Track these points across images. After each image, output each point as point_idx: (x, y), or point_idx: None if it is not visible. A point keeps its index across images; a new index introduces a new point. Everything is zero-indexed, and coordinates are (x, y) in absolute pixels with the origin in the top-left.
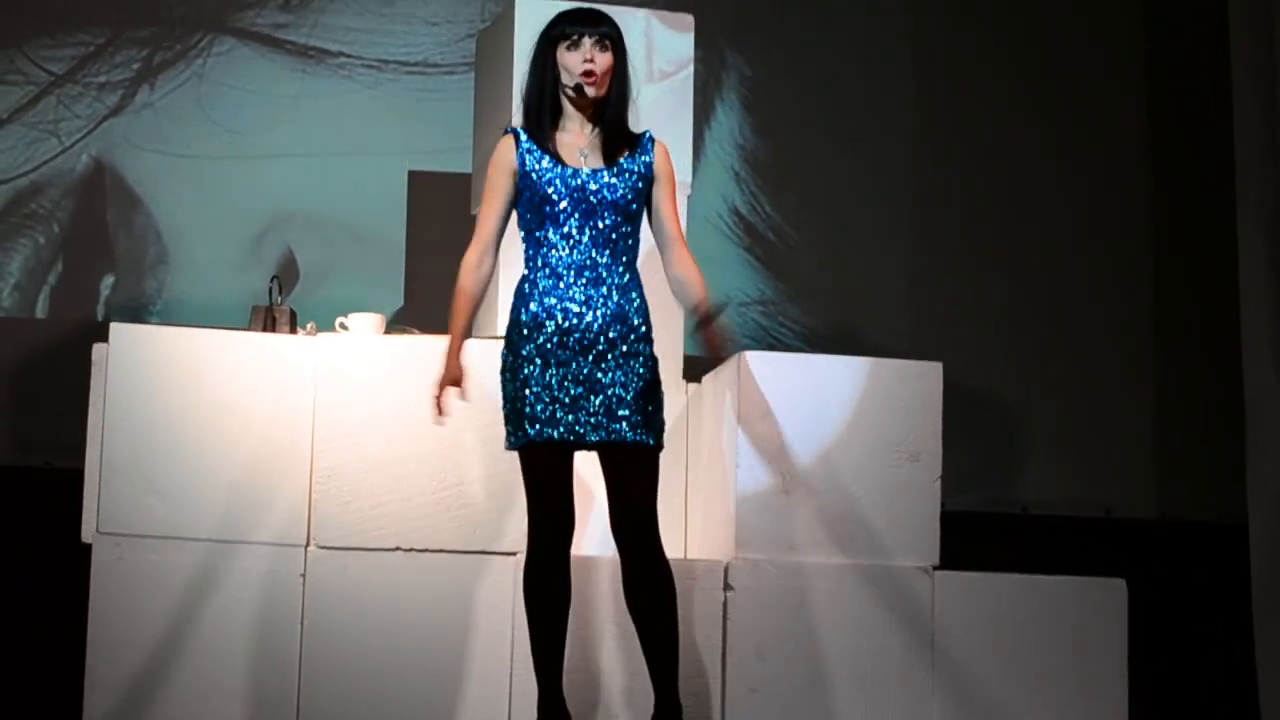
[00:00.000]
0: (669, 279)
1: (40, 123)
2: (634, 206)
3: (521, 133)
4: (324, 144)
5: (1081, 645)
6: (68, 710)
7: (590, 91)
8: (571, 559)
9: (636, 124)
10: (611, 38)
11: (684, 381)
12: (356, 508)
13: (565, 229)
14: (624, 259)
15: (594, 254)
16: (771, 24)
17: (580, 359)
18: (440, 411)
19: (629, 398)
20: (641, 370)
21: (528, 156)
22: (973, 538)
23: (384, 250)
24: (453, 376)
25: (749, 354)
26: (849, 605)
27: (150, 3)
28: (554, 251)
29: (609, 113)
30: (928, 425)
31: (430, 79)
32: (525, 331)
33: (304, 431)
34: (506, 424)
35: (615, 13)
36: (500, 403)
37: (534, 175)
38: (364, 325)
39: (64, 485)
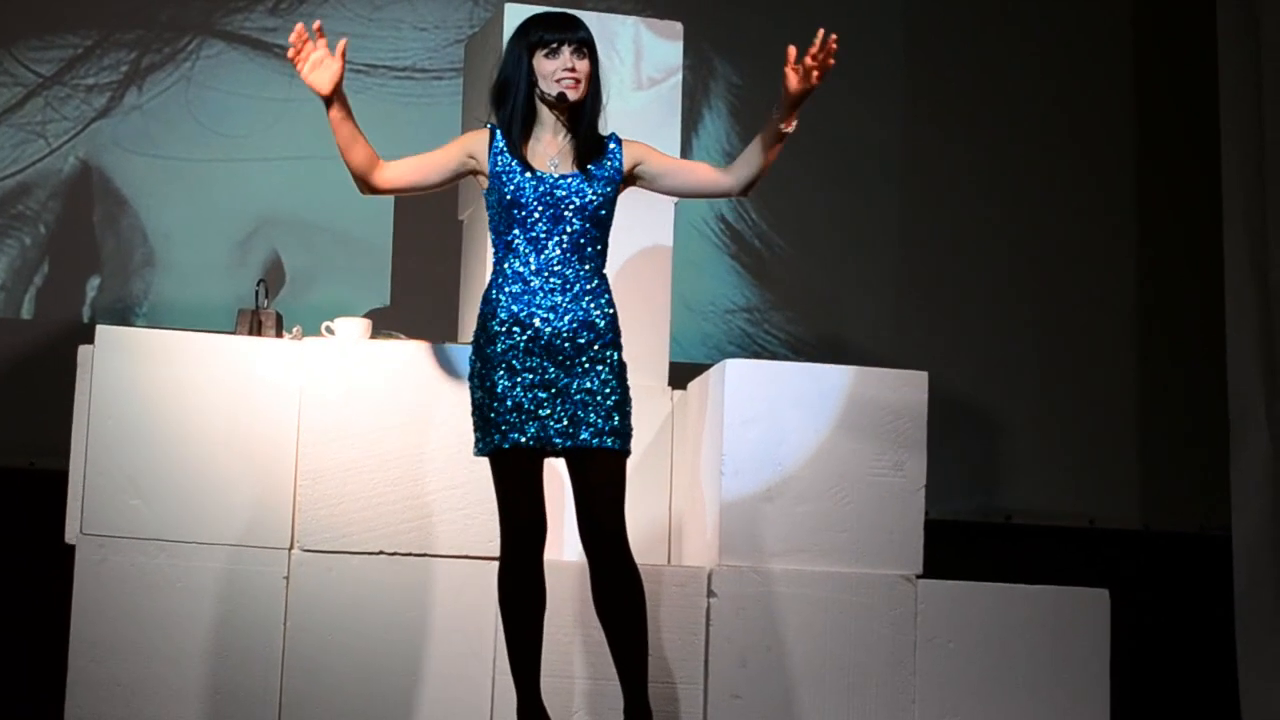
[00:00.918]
0: (738, 181)
1: (27, 124)
2: (603, 212)
3: (498, 132)
4: (311, 148)
5: (1064, 655)
6: (50, 711)
7: (571, 96)
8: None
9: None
10: (588, 43)
11: (668, 388)
12: (340, 511)
13: (533, 234)
14: (591, 265)
15: (562, 260)
16: (760, 32)
17: (547, 364)
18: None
19: (595, 403)
20: (608, 376)
21: (499, 157)
22: (956, 547)
23: (370, 255)
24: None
25: (733, 362)
26: (832, 613)
27: (139, 5)
28: (521, 257)
29: (583, 119)
30: (912, 434)
31: (418, 84)
32: (492, 338)
33: (289, 435)
34: (475, 430)
35: (602, 19)
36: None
37: (503, 177)
38: (350, 330)
39: (48, 486)
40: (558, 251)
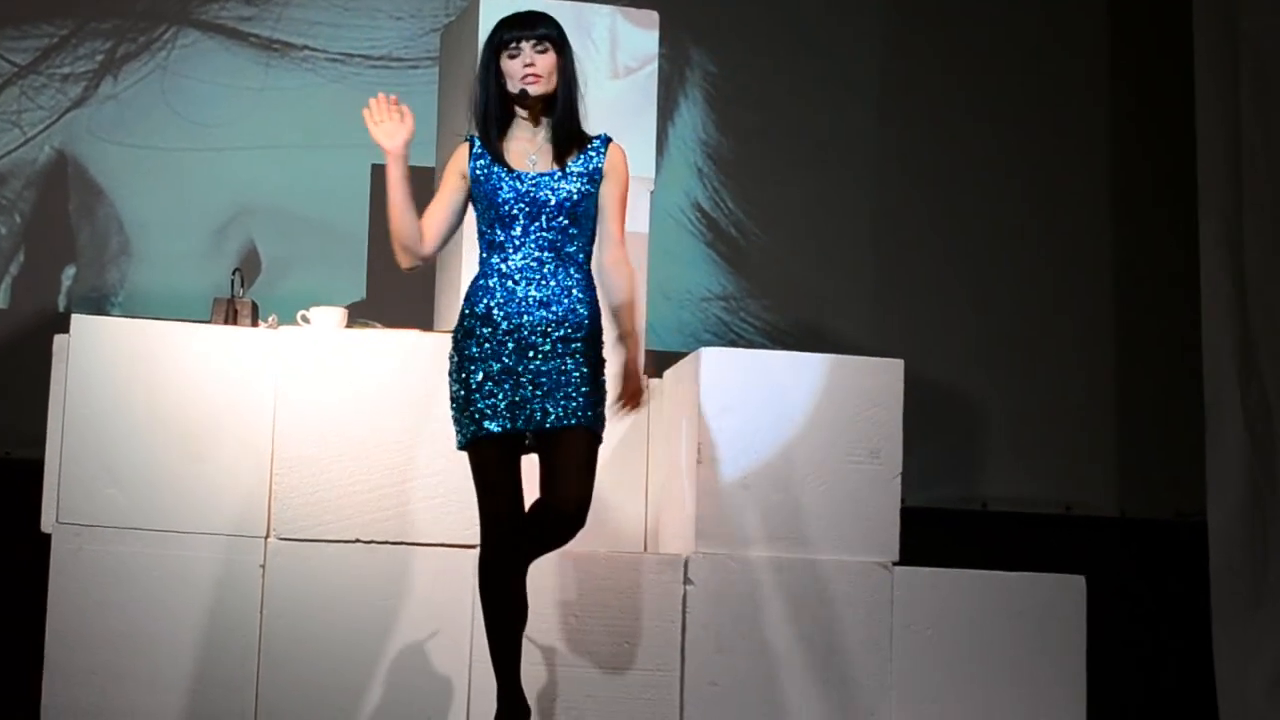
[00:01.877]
0: (599, 274)
1: (3, 113)
2: (580, 208)
3: (476, 141)
4: (287, 137)
5: (1041, 641)
6: (26, 700)
7: (534, 90)
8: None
9: (593, 124)
10: (550, 38)
11: (644, 376)
12: (317, 500)
13: (513, 231)
14: (573, 260)
15: (541, 256)
16: (736, 20)
17: (525, 359)
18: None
19: (566, 392)
20: (586, 369)
21: (478, 162)
22: (933, 534)
23: (346, 244)
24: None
25: (709, 350)
26: (808, 600)
27: None
28: (502, 253)
29: (556, 114)
30: (889, 422)
31: (394, 73)
32: (471, 332)
33: (264, 424)
34: (455, 425)
35: (578, 9)
36: None
37: (483, 181)
38: (325, 319)
39: (24, 475)
40: (536, 249)
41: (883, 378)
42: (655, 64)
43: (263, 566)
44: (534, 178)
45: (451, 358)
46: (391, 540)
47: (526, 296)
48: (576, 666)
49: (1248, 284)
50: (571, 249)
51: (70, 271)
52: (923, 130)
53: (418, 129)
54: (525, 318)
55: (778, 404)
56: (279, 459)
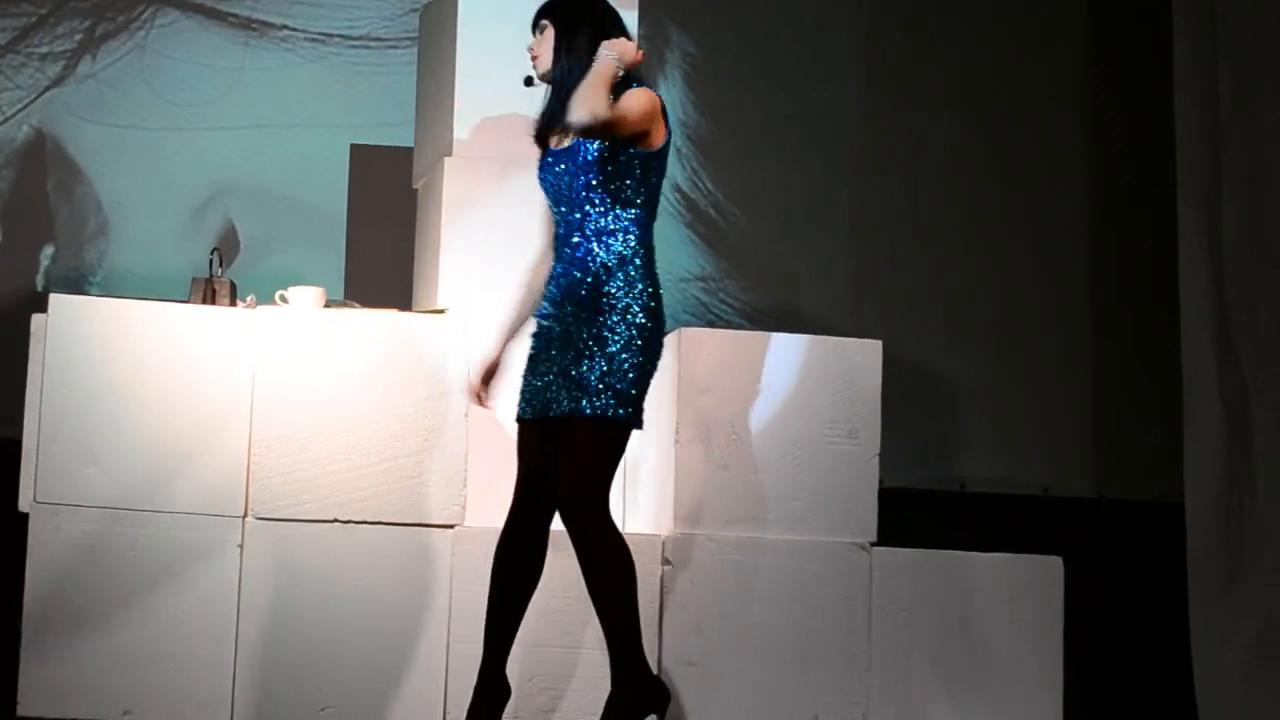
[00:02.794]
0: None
1: None
2: (590, 175)
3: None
4: (266, 117)
5: (1018, 622)
6: (3, 679)
7: (535, 72)
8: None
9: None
10: (547, 21)
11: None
12: (294, 479)
13: (553, 213)
14: (602, 229)
15: (569, 230)
16: (715, 1)
17: (556, 340)
18: (479, 402)
19: (577, 372)
20: (612, 348)
21: (539, 164)
22: (911, 514)
23: (325, 224)
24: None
25: (688, 330)
26: (786, 580)
27: None
28: (555, 236)
29: (558, 89)
30: (867, 402)
31: (374, 53)
32: (535, 315)
33: (243, 403)
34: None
35: None
36: (439, 380)
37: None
38: (304, 298)
39: (1, 455)
40: (563, 224)
41: (861, 359)
42: None
43: (240, 546)
44: (551, 155)
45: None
46: (370, 520)
47: (560, 269)
48: (554, 647)
49: (1225, 268)
50: (594, 215)
51: (48, 251)
52: (901, 112)
53: (396, 108)
54: (554, 296)
55: (756, 385)
56: (257, 439)
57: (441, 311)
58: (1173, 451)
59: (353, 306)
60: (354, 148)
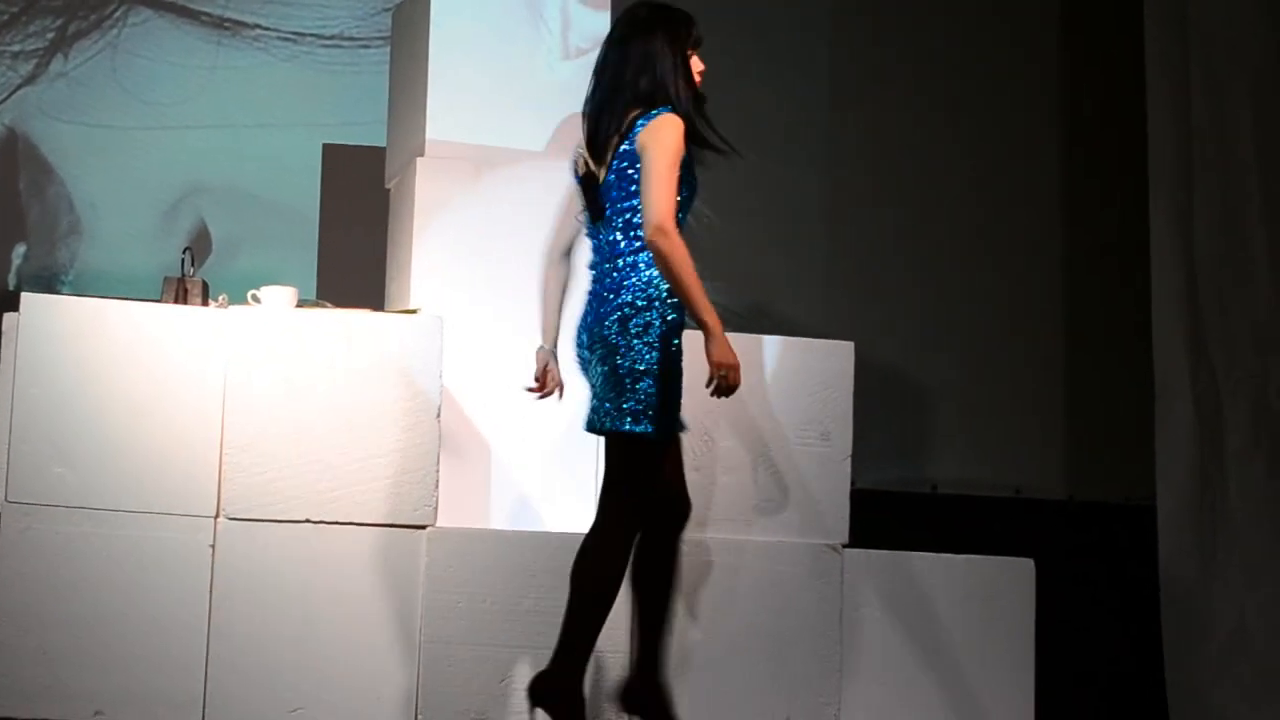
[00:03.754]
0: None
1: None
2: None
3: None
4: (238, 116)
5: (990, 624)
6: None
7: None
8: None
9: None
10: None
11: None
12: (266, 479)
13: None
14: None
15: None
16: (686, 2)
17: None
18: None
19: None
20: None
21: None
22: (882, 516)
23: (297, 223)
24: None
25: None
26: (758, 582)
27: None
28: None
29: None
30: (839, 404)
31: (346, 52)
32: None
33: (215, 403)
34: (670, 411)
35: None
36: (411, 380)
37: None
38: (276, 298)
39: None
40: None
41: (833, 360)
42: None
43: (212, 546)
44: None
45: (675, 344)
46: (342, 520)
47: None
48: (529, 649)
49: (1198, 269)
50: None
51: (20, 250)
52: (874, 113)
53: (368, 108)
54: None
55: None
56: (229, 439)
57: (414, 311)
58: (1144, 454)
59: (325, 306)
60: (326, 147)
